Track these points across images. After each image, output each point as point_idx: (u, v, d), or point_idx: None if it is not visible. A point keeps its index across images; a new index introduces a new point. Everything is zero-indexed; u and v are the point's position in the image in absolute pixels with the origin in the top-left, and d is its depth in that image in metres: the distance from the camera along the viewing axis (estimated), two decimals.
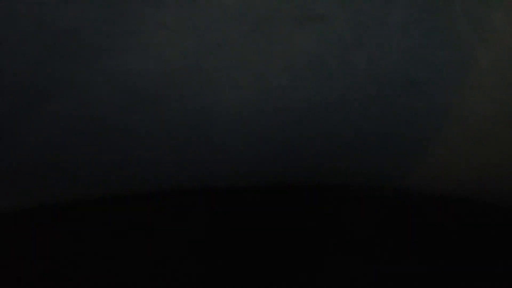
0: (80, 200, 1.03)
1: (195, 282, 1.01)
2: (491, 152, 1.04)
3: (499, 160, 1.04)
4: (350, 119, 1.00)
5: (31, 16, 0.88)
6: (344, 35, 0.94)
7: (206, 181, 1.04)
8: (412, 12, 0.93)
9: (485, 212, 1.07)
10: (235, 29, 0.92)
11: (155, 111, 0.97)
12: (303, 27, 0.92)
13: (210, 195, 1.05)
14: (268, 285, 1.01)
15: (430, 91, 0.99)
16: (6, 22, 0.88)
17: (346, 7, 0.92)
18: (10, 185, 1.00)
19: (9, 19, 0.88)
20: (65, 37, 0.90)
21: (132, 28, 0.91)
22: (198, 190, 1.05)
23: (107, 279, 1.00)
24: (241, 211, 1.06)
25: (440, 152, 1.03)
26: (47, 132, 0.97)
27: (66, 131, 0.97)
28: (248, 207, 1.06)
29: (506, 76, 0.98)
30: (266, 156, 1.03)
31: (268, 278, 1.02)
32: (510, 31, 0.95)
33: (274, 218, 1.06)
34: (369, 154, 1.04)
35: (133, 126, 0.98)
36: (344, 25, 0.93)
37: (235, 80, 0.96)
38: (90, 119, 0.96)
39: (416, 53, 0.96)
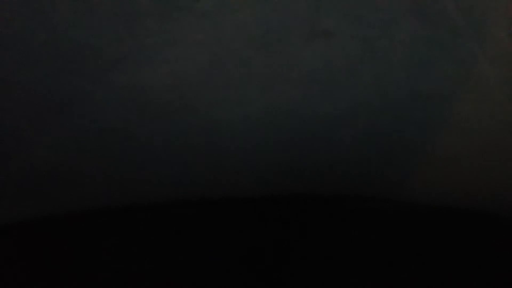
0: (89, 210, 1.04)
1: None
2: (495, 164, 1.05)
3: (503, 172, 1.05)
4: (357, 133, 1.01)
5: (46, 31, 0.89)
6: (351, 51, 0.95)
7: (216, 193, 1.05)
8: (418, 27, 0.95)
9: (489, 223, 1.08)
10: (245, 45, 0.93)
11: (165, 124, 0.98)
12: (311, 43, 0.94)
13: (220, 206, 1.07)
14: None
15: (436, 105, 1.00)
16: (20, 36, 0.90)
17: (352, 23, 0.93)
18: (19, 195, 1.02)
19: (24, 34, 0.90)
20: (79, 52, 0.92)
21: (143, 43, 0.92)
22: (208, 201, 1.06)
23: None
24: (248, 221, 1.07)
25: (446, 164, 1.04)
26: (59, 143, 0.99)
27: (78, 142, 0.99)
28: (256, 217, 1.07)
29: (511, 90, 0.99)
30: (274, 168, 1.05)
31: (269, 286, 1.03)
32: None
33: (279, 227, 1.07)
34: (376, 166, 1.05)
35: (144, 138, 0.99)
36: (350, 41, 0.94)
37: (244, 94, 0.97)
38: (102, 131, 0.98)
39: (422, 67, 0.97)
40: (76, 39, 0.90)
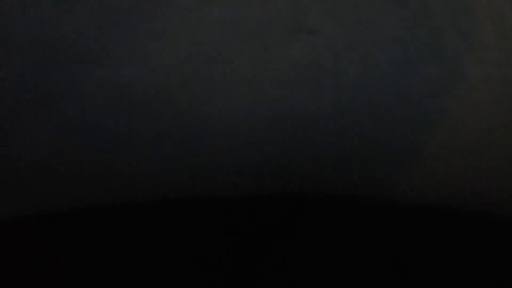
0: (73, 208, 1.03)
1: None
2: (481, 162, 1.04)
3: (489, 170, 1.05)
4: (342, 130, 1.01)
5: (27, 25, 0.89)
6: (336, 47, 0.95)
7: (200, 191, 1.05)
8: (403, 25, 0.94)
9: (476, 222, 1.07)
10: (229, 40, 0.93)
11: (149, 120, 0.98)
12: (296, 39, 0.94)
13: (203, 204, 1.06)
14: None
15: (421, 103, 1.00)
16: (1, 30, 0.89)
17: (337, 19, 0.93)
18: (4, 192, 1.01)
19: (4, 27, 0.89)
20: (61, 46, 0.91)
21: (127, 38, 0.92)
22: (191, 199, 1.05)
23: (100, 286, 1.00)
24: (233, 220, 1.06)
25: (431, 163, 1.04)
26: (42, 140, 0.98)
27: (61, 139, 0.98)
28: (240, 216, 1.06)
29: (496, 88, 0.99)
30: (259, 166, 1.04)
31: (258, 285, 1.02)
32: (500, 44, 0.96)
33: (265, 227, 1.07)
34: (361, 165, 1.05)
35: (128, 135, 0.98)
36: (335, 37, 0.94)
37: (228, 91, 0.96)
38: (85, 128, 0.97)
39: (407, 65, 0.97)
40: (59, 33, 0.90)
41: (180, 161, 1.02)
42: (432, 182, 1.05)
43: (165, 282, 1.00)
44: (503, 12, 0.92)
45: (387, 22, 0.94)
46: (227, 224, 1.05)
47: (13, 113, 0.95)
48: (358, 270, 1.03)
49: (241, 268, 1.02)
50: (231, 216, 1.05)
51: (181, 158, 1.01)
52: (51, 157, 0.99)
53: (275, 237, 1.05)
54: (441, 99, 0.99)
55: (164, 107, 0.97)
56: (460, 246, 1.05)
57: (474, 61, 0.96)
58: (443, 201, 1.05)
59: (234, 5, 0.91)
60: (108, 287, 1.00)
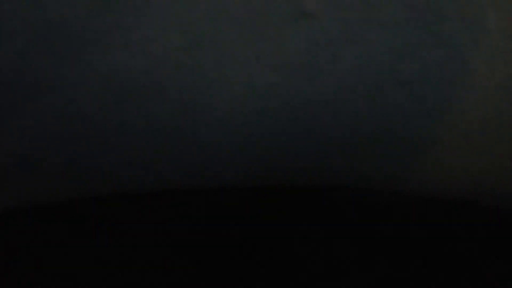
0: (65, 200, 1.02)
1: (187, 283, 1.00)
2: (482, 153, 1.03)
3: (491, 161, 1.03)
4: (341, 118, 0.99)
5: (16, 11, 0.87)
6: (334, 33, 0.93)
7: (193, 181, 1.04)
8: (403, 11, 0.93)
9: (480, 214, 1.06)
10: (222, 26, 0.91)
11: (141, 108, 0.96)
12: (293, 25, 0.92)
13: (197, 195, 1.05)
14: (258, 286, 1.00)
15: (421, 91, 0.98)
16: None
17: (336, 5, 0.91)
18: None
19: None
20: (51, 32, 0.90)
21: (119, 24, 0.90)
22: (185, 189, 1.04)
23: (98, 280, 0.99)
24: (228, 211, 1.05)
25: (430, 153, 1.02)
26: (32, 130, 0.97)
27: (52, 128, 0.97)
28: (235, 207, 1.05)
29: (498, 76, 0.97)
30: (255, 155, 1.02)
31: (258, 280, 1.01)
32: (502, 31, 0.94)
33: (260, 219, 1.05)
34: (359, 154, 1.03)
35: (120, 122, 0.97)
36: (334, 23, 0.92)
37: (223, 77, 0.95)
38: (76, 116, 0.96)
39: (407, 52, 0.95)
40: (46, 18, 0.88)
41: (171, 151, 1.00)
42: (432, 173, 1.04)
43: (162, 274, 0.99)
44: None
45: (386, 7, 0.92)
46: (218, 214, 1.03)
47: (2, 102, 0.94)
48: (365, 264, 1.01)
49: (241, 263, 1.01)
50: (222, 207, 1.04)
51: (172, 148, 1.00)
52: (40, 147, 0.98)
53: (274, 231, 1.04)
54: (442, 86, 0.97)
55: (157, 94, 0.95)
56: (469, 240, 1.03)
57: (475, 47, 0.94)
58: (443, 192, 1.04)
59: None
60: (105, 279, 0.99)
